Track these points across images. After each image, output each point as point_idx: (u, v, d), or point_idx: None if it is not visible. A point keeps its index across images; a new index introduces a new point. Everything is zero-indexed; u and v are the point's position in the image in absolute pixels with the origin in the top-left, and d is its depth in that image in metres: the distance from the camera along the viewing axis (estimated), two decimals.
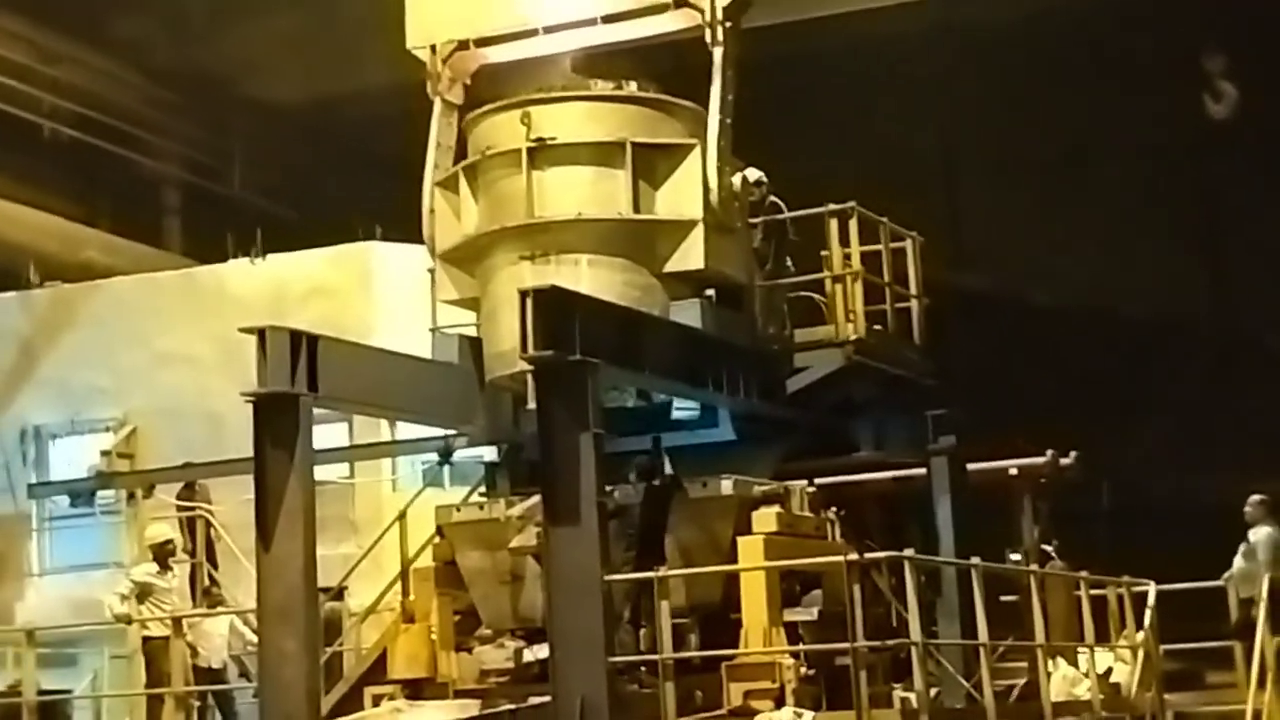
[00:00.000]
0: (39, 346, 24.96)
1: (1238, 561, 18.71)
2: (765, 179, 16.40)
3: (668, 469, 15.08)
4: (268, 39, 30.01)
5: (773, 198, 16.54)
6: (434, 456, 18.47)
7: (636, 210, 15.44)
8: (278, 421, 13.53)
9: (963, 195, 30.87)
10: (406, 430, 20.34)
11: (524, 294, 12.84)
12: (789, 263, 16.75)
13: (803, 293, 16.72)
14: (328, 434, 19.72)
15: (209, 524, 21.33)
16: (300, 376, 13.57)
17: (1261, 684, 17.41)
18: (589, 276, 15.09)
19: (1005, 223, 29.36)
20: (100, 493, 21.49)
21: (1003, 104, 28.39)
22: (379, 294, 22.92)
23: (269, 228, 24.71)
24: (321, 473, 16.03)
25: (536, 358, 12.75)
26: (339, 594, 18.79)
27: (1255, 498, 18.80)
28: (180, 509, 21.36)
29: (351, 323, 20.89)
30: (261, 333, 13.56)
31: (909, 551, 13.64)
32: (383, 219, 22.96)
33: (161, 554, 18.46)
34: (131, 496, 21.71)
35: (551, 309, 12.77)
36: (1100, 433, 21.98)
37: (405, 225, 17.68)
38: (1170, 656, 18.14)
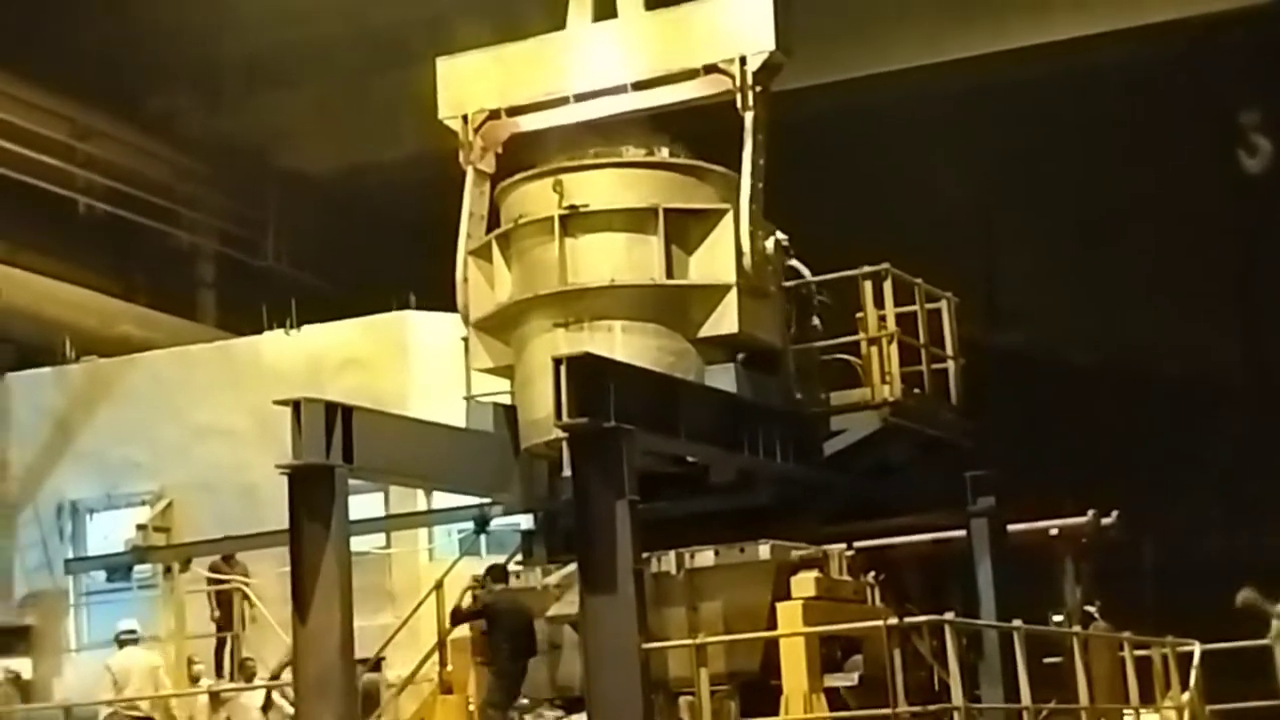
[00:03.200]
0: (75, 421, 25.00)
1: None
2: (786, 241, 16.30)
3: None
4: (300, 111, 30.24)
5: (793, 261, 16.44)
6: (470, 525, 18.42)
7: (670, 276, 15.42)
8: (313, 493, 13.53)
9: (1000, 255, 30.80)
10: (442, 499, 20.28)
11: (558, 361, 12.85)
12: (816, 323, 16.66)
13: (838, 355, 16.65)
14: (363, 504, 19.67)
15: (245, 596, 21.26)
16: (335, 448, 13.58)
17: None
18: (623, 343, 15.07)
19: (1042, 282, 29.28)
20: (137, 567, 21.53)
21: (1039, 163, 28.35)
22: (413, 363, 22.91)
23: (303, 299, 24.75)
24: (357, 543, 15.98)
25: (571, 425, 12.72)
26: (376, 665, 18.67)
27: None
28: (216, 582, 21.30)
29: (386, 392, 20.89)
30: (296, 405, 13.58)
31: (950, 615, 13.52)
32: (416, 288, 22.98)
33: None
34: (168, 570, 21.65)
35: (585, 376, 12.75)
36: (1141, 491, 21.77)
37: (439, 294, 17.69)
38: (1217, 717, 17.92)
